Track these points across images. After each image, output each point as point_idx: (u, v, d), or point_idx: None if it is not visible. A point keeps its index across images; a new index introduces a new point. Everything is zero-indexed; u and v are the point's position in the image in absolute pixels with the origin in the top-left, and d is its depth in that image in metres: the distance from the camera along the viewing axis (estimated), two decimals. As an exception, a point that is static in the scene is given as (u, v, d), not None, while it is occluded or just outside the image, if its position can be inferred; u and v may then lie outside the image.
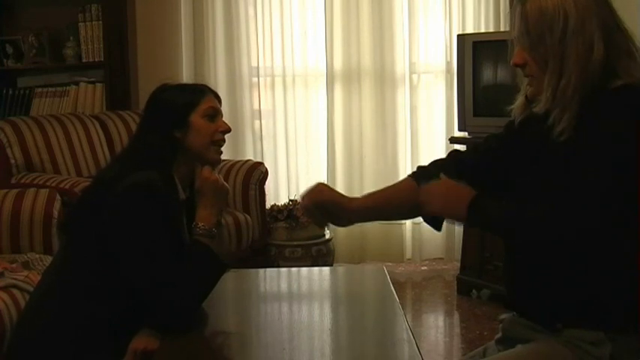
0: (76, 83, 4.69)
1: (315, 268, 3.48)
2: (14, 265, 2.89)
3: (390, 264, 4.72)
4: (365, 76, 4.74)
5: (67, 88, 4.69)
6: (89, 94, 4.68)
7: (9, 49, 4.72)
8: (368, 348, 1.82)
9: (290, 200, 4.59)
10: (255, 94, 4.86)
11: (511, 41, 1.69)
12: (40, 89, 4.71)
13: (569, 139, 1.60)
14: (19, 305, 2.58)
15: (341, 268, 3.71)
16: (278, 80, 4.83)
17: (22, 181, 3.77)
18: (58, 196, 3.30)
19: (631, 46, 1.64)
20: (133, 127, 4.29)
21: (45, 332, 1.89)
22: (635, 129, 1.52)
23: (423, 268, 4.82)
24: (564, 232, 1.54)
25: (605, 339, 1.59)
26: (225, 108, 2.09)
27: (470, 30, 4.62)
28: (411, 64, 4.76)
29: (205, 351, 1.84)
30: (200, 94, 2.03)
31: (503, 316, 1.83)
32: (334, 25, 4.74)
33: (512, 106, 1.77)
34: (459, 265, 4.29)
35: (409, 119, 4.78)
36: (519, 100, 1.75)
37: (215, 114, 2.04)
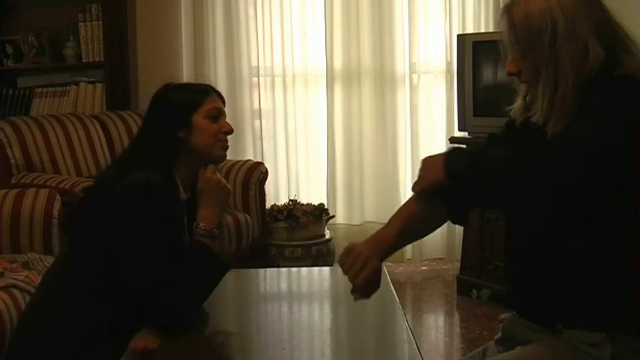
0: (76, 83, 4.70)
1: (315, 268, 3.48)
2: (14, 265, 2.89)
3: (390, 264, 4.71)
4: (365, 76, 4.74)
5: (67, 88, 4.69)
6: (89, 94, 4.68)
7: (9, 49, 4.73)
8: (368, 348, 1.82)
9: (290, 200, 4.59)
10: (255, 93, 4.86)
11: (503, 49, 1.68)
12: (40, 89, 4.71)
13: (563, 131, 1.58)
14: (19, 305, 2.58)
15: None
16: (278, 80, 4.83)
17: (22, 181, 3.77)
18: (58, 196, 3.31)
19: (626, 41, 1.62)
20: (133, 127, 4.30)
21: (45, 332, 1.89)
22: (631, 126, 1.49)
23: (423, 268, 4.82)
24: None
25: (605, 340, 1.59)
26: (225, 108, 2.09)
27: (470, 30, 4.62)
28: (411, 64, 4.76)
29: (205, 351, 1.84)
30: (204, 95, 2.03)
31: (503, 316, 1.83)
32: (334, 25, 4.74)
33: (512, 107, 1.76)
34: (459, 265, 4.29)
35: (409, 119, 4.78)
36: (518, 102, 1.74)
37: (218, 114, 2.03)
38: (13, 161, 3.90)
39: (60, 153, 4.05)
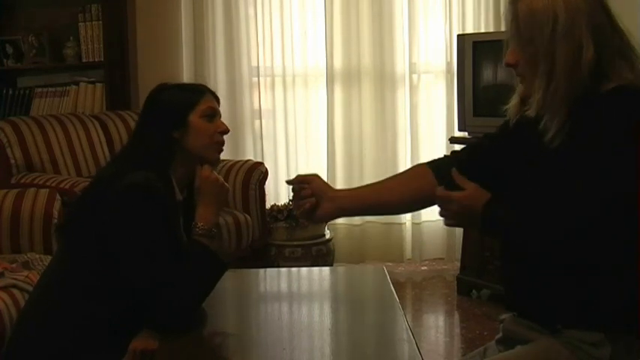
0: (76, 83, 4.69)
1: (315, 268, 3.48)
2: (14, 265, 2.89)
3: (390, 264, 4.72)
4: (365, 76, 4.74)
5: (67, 88, 4.69)
6: (89, 94, 4.68)
7: (9, 49, 4.73)
8: (368, 348, 1.82)
9: (290, 200, 4.59)
10: (255, 94, 4.86)
11: (506, 41, 1.70)
12: (40, 89, 4.71)
13: (561, 146, 1.60)
14: (19, 305, 2.58)
15: (341, 268, 3.71)
16: (278, 80, 4.83)
17: (22, 181, 3.77)
18: (58, 196, 3.31)
19: (624, 47, 1.63)
20: (133, 127, 4.28)
21: (44, 332, 1.88)
22: (630, 133, 1.51)
23: (423, 268, 4.82)
24: (563, 239, 1.56)
25: (605, 340, 1.59)
26: (225, 108, 2.09)
27: (470, 30, 4.62)
28: (411, 64, 4.76)
29: (205, 351, 1.84)
30: (199, 94, 2.02)
31: (504, 316, 1.83)
32: (334, 25, 4.74)
33: (508, 106, 1.77)
34: (459, 265, 4.29)
35: (409, 119, 4.78)
36: (514, 100, 1.75)
37: (214, 114, 2.02)
38: (13, 161, 3.91)
39: (60, 153, 4.05)
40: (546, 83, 1.60)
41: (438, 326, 3.99)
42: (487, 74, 4.04)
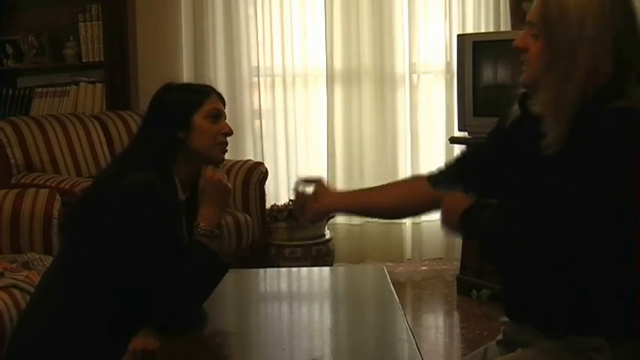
0: (76, 83, 4.69)
1: (315, 268, 3.48)
2: (14, 265, 2.89)
3: (390, 264, 4.71)
4: (365, 76, 4.74)
5: (67, 88, 4.69)
6: (89, 94, 4.68)
7: (9, 49, 4.73)
8: (368, 348, 1.82)
9: (290, 200, 4.58)
10: (255, 94, 4.85)
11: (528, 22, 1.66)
12: (40, 89, 4.71)
13: (556, 154, 1.59)
14: (19, 305, 2.58)
15: (341, 268, 3.71)
16: (278, 80, 4.83)
17: (22, 181, 3.77)
18: (58, 196, 3.30)
19: None
20: (133, 127, 4.30)
21: (45, 332, 1.89)
22: (628, 150, 1.50)
23: (423, 268, 4.82)
24: (550, 256, 1.56)
25: (606, 345, 1.59)
26: (225, 108, 2.09)
27: (470, 30, 4.62)
28: (411, 64, 4.76)
29: (205, 351, 1.84)
30: (204, 95, 2.02)
31: (505, 318, 1.82)
32: (334, 25, 4.74)
33: (509, 111, 1.77)
34: (459, 265, 4.29)
35: (409, 119, 4.78)
36: (514, 108, 1.75)
37: (218, 115, 2.03)
38: (13, 161, 3.90)
39: (60, 153, 4.05)
40: (561, 83, 1.57)
41: (438, 326, 3.99)
42: (487, 74, 4.04)
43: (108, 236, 1.86)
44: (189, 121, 1.98)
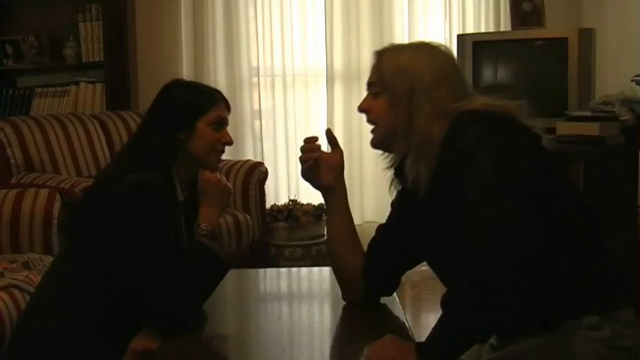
0: (76, 83, 4.70)
1: (315, 268, 3.47)
2: (14, 265, 2.89)
3: (390, 264, 4.71)
4: (365, 76, 4.67)
5: (67, 88, 4.69)
6: (89, 94, 4.68)
7: (9, 49, 4.73)
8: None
9: (290, 200, 4.59)
10: (255, 94, 4.86)
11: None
12: (40, 89, 4.71)
13: (429, 194, 1.66)
14: (19, 305, 2.58)
15: (341, 268, 3.70)
16: (278, 80, 4.83)
17: (22, 181, 3.77)
18: (58, 196, 3.30)
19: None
20: (133, 127, 4.30)
21: (44, 333, 1.89)
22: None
23: (423, 268, 4.78)
24: (506, 264, 1.47)
25: (600, 321, 1.59)
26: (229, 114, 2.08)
27: (470, 30, 4.62)
28: (411, 64, 4.75)
29: (205, 351, 1.84)
30: (212, 101, 2.00)
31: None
32: (334, 25, 4.74)
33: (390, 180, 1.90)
34: (458, 265, 4.28)
35: (409, 119, 4.77)
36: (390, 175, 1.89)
37: (222, 123, 2.01)
38: (13, 161, 3.90)
39: (60, 153, 4.05)
40: (413, 122, 1.73)
41: (438, 326, 3.99)
42: (487, 74, 4.04)
43: (108, 237, 1.87)
44: (193, 125, 1.97)
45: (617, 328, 1.59)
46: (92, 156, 4.18)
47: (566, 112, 3.59)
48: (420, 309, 4.18)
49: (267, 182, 4.37)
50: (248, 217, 4.19)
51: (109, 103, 4.64)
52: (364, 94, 1.91)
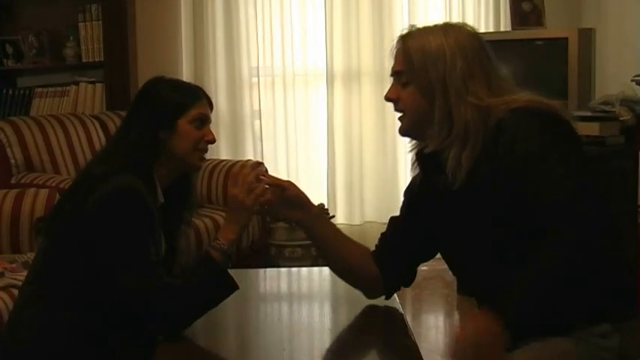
0: (76, 83, 4.69)
1: (315, 268, 3.47)
2: (14, 265, 2.90)
3: (390, 264, 4.70)
4: (365, 76, 4.74)
5: (67, 88, 4.69)
6: (89, 94, 4.68)
7: (9, 49, 4.73)
8: (368, 348, 1.82)
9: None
10: (255, 94, 4.85)
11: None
12: (40, 89, 4.70)
13: (464, 185, 1.65)
14: (19, 305, 2.57)
15: (341, 268, 3.70)
16: (278, 80, 4.83)
17: (22, 181, 3.77)
18: (58, 196, 3.30)
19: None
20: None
21: (29, 341, 1.85)
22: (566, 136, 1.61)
23: (423, 268, 4.75)
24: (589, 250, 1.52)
25: (612, 330, 1.59)
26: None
27: (470, 30, 4.61)
28: (411, 64, 4.75)
29: (205, 351, 1.84)
30: (193, 99, 1.96)
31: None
32: (334, 25, 4.74)
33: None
34: (458, 265, 4.28)
35: (409, 119, 4.77)
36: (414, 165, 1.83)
37: (204, 121, 1.96)
38: (13, 161, 3.90)
39: (60, 153, 4.05)
40: (446, 115, 1.66)
41: (437, 326, 3.99)
42: (487, 74, 4.03)
43: (91, 242, 1.81)
44: (174, 124, 1.92)
45: (627, 337, 1.60)
46: (92, 156, 4.18)
47: (566, 112, 3.59)
48: (420, 309, 4.18)
49: (267, 182, 4.36)
50: (248, 217, 4.18)
51: (109, 103, 4.64)
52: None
